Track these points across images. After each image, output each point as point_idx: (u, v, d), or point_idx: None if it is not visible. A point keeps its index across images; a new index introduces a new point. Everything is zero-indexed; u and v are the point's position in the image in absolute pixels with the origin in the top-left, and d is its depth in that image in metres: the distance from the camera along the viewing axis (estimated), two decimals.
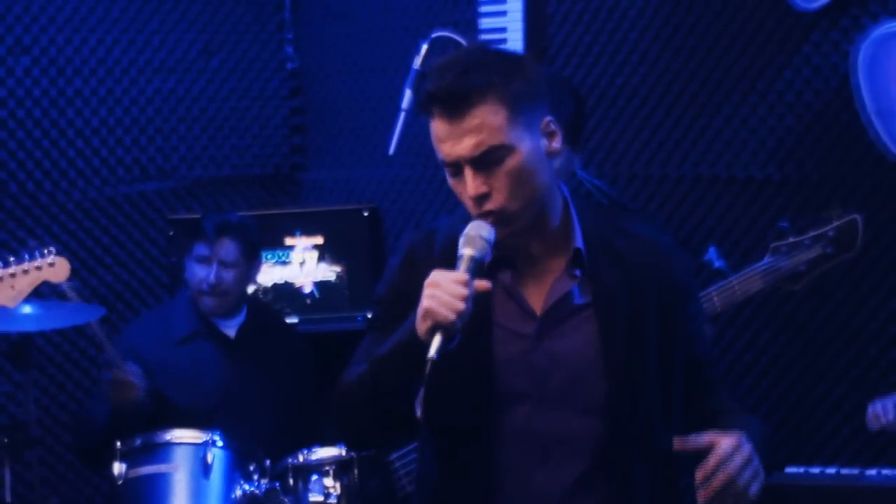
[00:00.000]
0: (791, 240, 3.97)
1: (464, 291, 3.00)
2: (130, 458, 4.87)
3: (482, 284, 3.06)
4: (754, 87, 4.99)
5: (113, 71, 6.19)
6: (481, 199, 3.12)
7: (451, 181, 3.20)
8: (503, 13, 5.70)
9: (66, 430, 6.04)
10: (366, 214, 6.27)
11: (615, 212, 3.73)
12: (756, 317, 4.95)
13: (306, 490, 4.90)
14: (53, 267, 4.25)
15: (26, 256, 4.21)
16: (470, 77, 3.10)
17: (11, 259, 4.19)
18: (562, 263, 3.26)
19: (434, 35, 4.98)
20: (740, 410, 3.38)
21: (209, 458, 4.79)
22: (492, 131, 3.11)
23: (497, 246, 3.12)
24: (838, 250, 3.93)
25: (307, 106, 6.68)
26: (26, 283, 4.19)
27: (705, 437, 3.06)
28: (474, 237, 3.09)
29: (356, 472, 5.04)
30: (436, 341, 2.97)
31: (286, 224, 6.08)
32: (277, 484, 4.91)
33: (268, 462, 4.93)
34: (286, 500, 4.88)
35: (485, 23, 5.77)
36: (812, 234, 3.95)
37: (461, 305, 2.99)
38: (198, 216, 6.04)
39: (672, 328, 3.28)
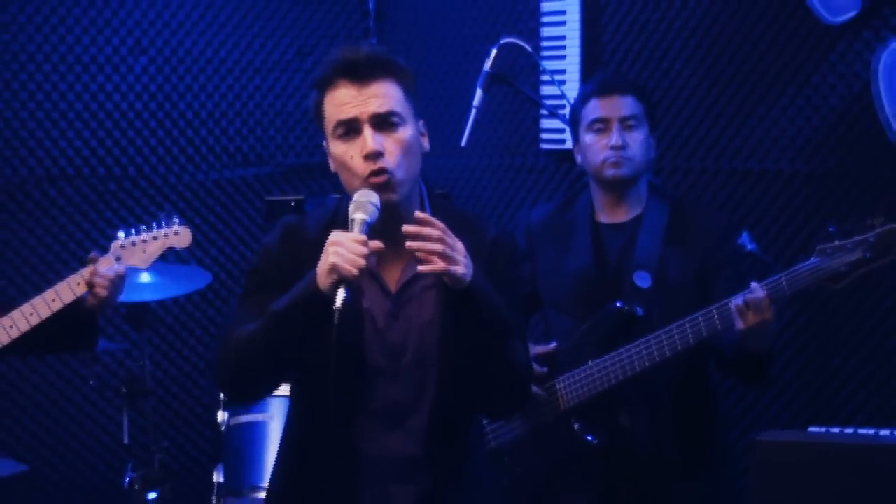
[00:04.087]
0: (836, 243, 3.91)
1: (364, 250, 2.99)
2: (232, 408, 4.90)
3: (376, 244, 3.04)
4: (785, 91, 4.96)
5: (219, 69, 6.25)
6: (376, 155, 3.11)
7: (338, 148, 3.17)
8: (563, 23, 5.68)
9: (174, 383, 6.12)
10: None
11: (462, 209, 3.74)
12: None
13: None
14: (178, 235, 4.31)
15: (155, 225, 4.27)
16: (378, 55, 3.19)
17: (143, 227, 4.25)
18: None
19: (502, 41, 4.96)
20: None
21: None
22: (392, 100, 3.16)
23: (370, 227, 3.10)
24: (876, 255, 3.88)
25: None
26: (155, 248, 4.25)
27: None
28: (364, 203, 3.07)
29: None
30: (340, 293, 2.95)
31: None
32: None
33: None
34: None
35: (546, 31, 5.75)
36: (855, 239, 3.88)
37: (362, 262, 2.97)
38: (292, 198, 6.09)
39: None
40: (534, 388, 4.30)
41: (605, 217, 4.43)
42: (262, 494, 4.68)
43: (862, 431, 3.65)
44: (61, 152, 5.85)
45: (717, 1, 5.15)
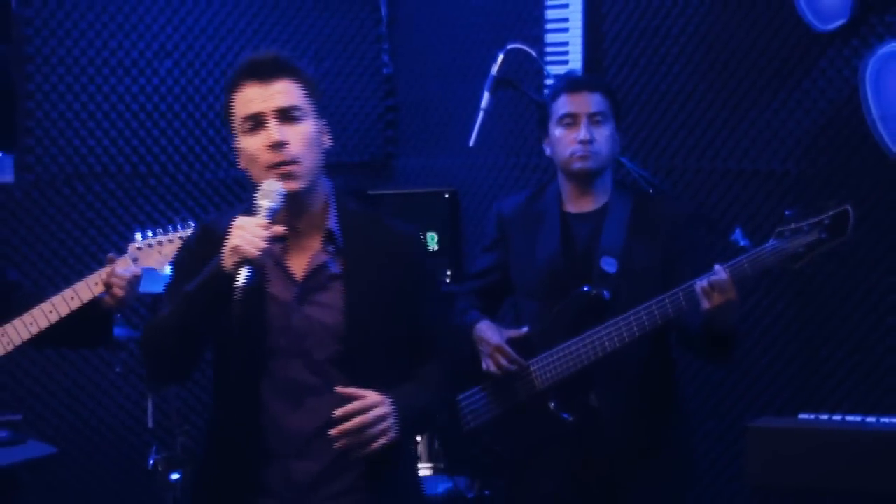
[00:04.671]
0: (793, 226, 3.94)
1: (265, 233, 3.06)
2: None
3: (278, 229, 3.12)
4: (777, 95, 4.96)
5: None
6: (280, 145, 3.20)
7: (246, 142, 3.25)
8: (566, 30, 5.70)
9: (196, 369, 6.11)
10: (447, 196, 6.31)
11: (379, 211, 3.81)
12: (773, 288, 4.95)
13: None
14: None
15: (171, 227, 4.27)
16: (280, 58, 3.30)
17: (159, 230, 4.25)
18: (320, 241, 3.34)
19: (508, 47, 4.98)
20: (429, 382, 3.42)
21: None
22: (294, 96, 3.26)
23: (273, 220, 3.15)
24: (831, 236, 3.90)
25: (399, 105, 6.71)
26: (171, 250, 4.24)
27: (359, 392, 3.19)
28: (269, 191, 3.15)
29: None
30: (243, 273, 3.02)
31: (380, 203, 6.11)
32: None
33: None
34: None
35: (550, 38, 5.77)
36: (810, 221, 3.91)
37: (264, 244, 3.05)
38: None
39: (408, 303, 3.35)
40: (510, 368, 4.40)
41: (572, 207, 4.47)
42: None
43: (849, 418, 3.67)
44: (89, 150, 5.85)
45: (713, 9, 5.16)
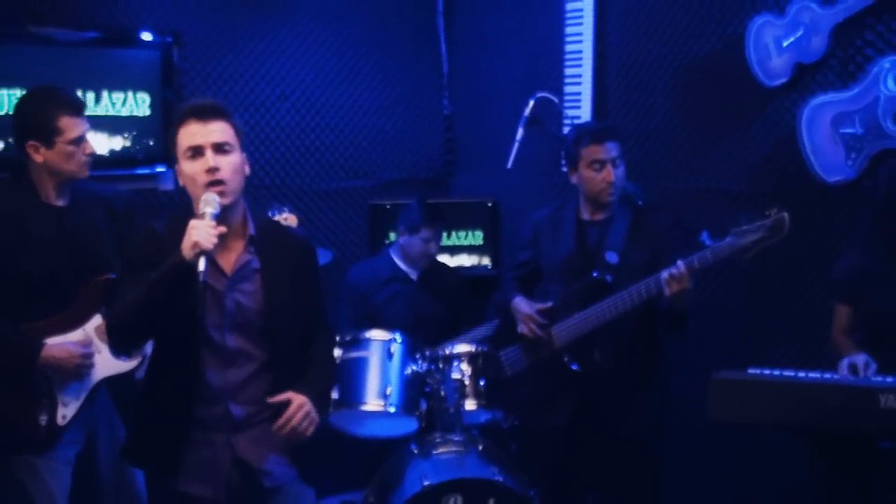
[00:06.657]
0: (745, 227, 3.98)
1: (215, 231, 3.11)
2: (343, 347, 4.94)
3: (222, 228, 3.18)
4: (736, 133, 4.96)
5: (339, 111, 6.29)
6: (215, 170, 3.23)
7: (187, 166, 3.25)
8: (579, 83, 5.71)
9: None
10: (490, 205, 6.32)
11: (277, 222, 3.88)
12: (730, 273, 4.94)
13: (450, 370, 4.94)
14: (286, 220, 4.44)
15: (269, 213, 4.38)
16: (217, 105, 3.34)
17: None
18: (242, 244, 3.39)
19: (537, 95, 5.03)
20: (323, 361, 3.57)
21: (392, 349, 4.82)
22: (226, 134, 3.30)
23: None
24: (771, 235, 3.94)
25: (455, 137, 6.73)
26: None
27: (286, 396, 3.34)
28: (210, 200, 3.20)
29: (480, 361, 5.11)
30: (201, 262, 3.07)
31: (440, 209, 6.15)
32: (433, 366, 4.99)
33: (427, 352, 5.01)
34: (438, 376, 4.95)
35: (568, 89, 5.76)
36: (757, 223, 3.96)
37: (215, 239, 3.10)
38: (388, 202, 6.13)
39: (304, 289, 3.42)
40: (537, 331, 4.46)
41: (587, 216, 4.56)
42: (364, 407, 4.72)
43: (786, 373, 3.70)
44: None
45: (689, 69, 5.18)
